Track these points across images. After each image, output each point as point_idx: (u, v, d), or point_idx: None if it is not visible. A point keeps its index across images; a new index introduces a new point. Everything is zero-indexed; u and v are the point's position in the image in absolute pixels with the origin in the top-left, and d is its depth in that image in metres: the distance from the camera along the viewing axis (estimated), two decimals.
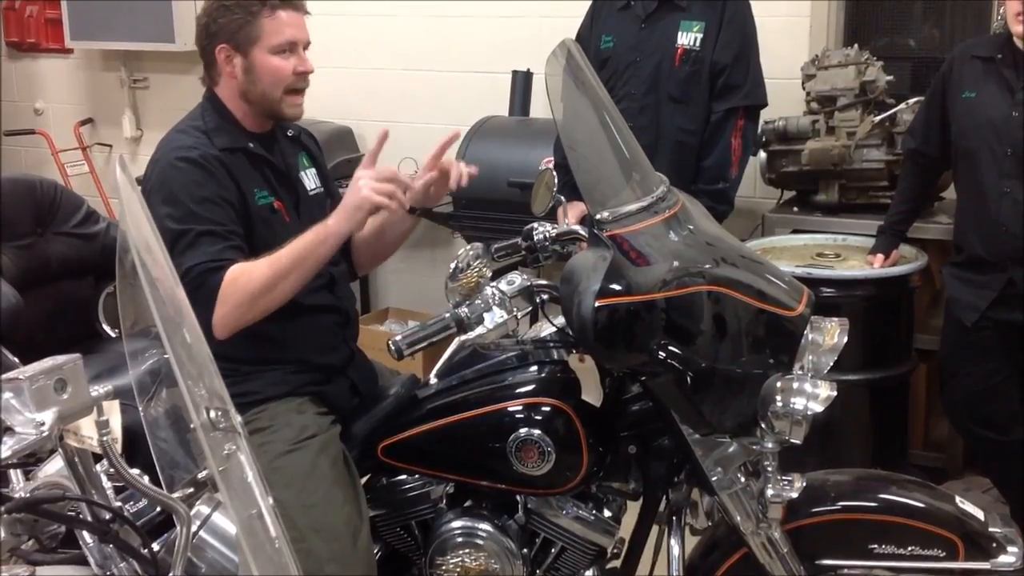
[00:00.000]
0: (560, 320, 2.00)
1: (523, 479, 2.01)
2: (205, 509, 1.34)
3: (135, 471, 1.25)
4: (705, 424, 1.84)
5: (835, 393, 1.77)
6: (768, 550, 1.94)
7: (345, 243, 2.14)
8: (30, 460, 1.28)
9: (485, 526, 2.06)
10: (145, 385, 1.30)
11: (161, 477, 1.31)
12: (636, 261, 1.80)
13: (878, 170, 3.45)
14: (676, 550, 2.00)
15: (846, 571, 2.00)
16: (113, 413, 1.22)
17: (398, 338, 1.84)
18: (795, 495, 1.84)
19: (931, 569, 1.93)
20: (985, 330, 2.91)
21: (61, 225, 2.89)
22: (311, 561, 1.93)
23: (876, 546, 1.95)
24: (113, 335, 2.85)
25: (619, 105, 2.54)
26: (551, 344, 2.03)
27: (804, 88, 3.55)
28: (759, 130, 3.38)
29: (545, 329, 2.04)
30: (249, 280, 1.98)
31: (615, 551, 2.13)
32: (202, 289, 1.95)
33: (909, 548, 1.94)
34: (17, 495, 1.25)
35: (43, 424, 1.15)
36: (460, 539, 2.07)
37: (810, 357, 1.86)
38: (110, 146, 5.44)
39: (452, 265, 1.89)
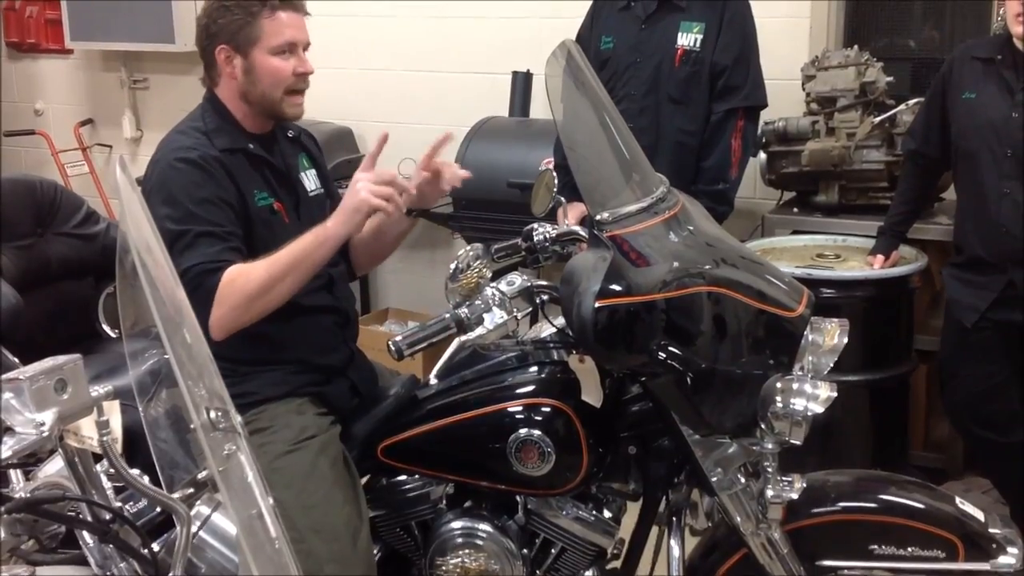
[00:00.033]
0: (560, 321, 1.99)
1: (523, 480, 2.01)
2: (205, 509, 1.34)
3: (135, 471, 1.26)
4: (705, 425, 1.84)
5: (835, 394, 1.77)
6: (768, 551, 1.94)
7: (343, 244, 2.14)
8: (30, 460, 1.28)
9: (485, 527, 2.06)
10: (145, 385, 1.30)
11: (161, 477, 1.31)
12: (636, 262, 1.80)
13: (878, 171, 3.45)
14: (676, 551, 2.00)
15: (846, 572, 2.00)
16: (113, 413, 1.22)
17: (398, 338, 1.84)
18: (795, 496, 1.84)
19: (931, 570, 1.93)
20: (985, 331, 2.91)
21: (61, 226, 2.89)
22: (311, 562, 1.93)
23: (876, 547, 1.95)
24: (113, 335, 2.84)
25: (619, 106, 2.54)
26: (551, 345, 2.03)
27: (804, 89, 3.55)
28: (759, 131, 3.38)
29: (545, 330, 2.04)
30: (246, 282, 1.98)
31: (615, 552, 2.13)
32: (199, 290, 1.95)
33: (909, 549, 1.94)
34: (17, 495, 1.26)
35: (43, 424, 1.15)
36: (460, 540, 2.07)
37: (810, 358, 1.86)
38: (110, 147, 5.44)
39: (452, 266, 1.89)
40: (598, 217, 1.83)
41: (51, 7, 5.33)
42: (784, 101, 3.53)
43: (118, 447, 1.23)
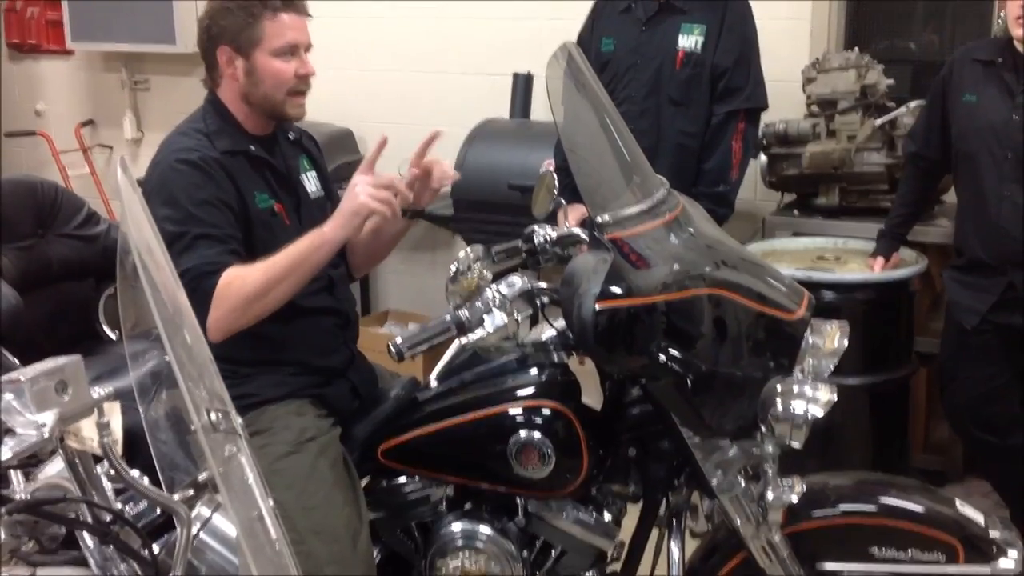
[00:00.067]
0: (560, 323, 2.00)
1: (523, 482, 2.00)
2: (205, 511, 1.34)
3: (135, 473, 1.25)
4: (705, 427, 1.84)
5: (835, 397, 1.77)
6: (768, 553, 1.93)
7: (342, 246, 2.14)
8: (31, 461, 1.28)
9: (485, 529, 2.06)
10: (146, 387, 1.30)
11: (161, 479, 1.31)
12: (636, 264, 1.80)
13: (878, 173, 3.45)
14: (676, 553, 2.00)
15: (846, 574, 2.00)
16: (114, 414, 1.22)
17: (398, 340, 1.84)
18: (795, 499, 1.84)
19: (931, 573, 1.93)
20: (985, 333, 2.91)
21: (62, 227, 2.89)
22: (311, 563, 1.93)
23: (876, 549, 1.95)
24: (114, 337, 2.85)
25: (620, 108, 2.53)
26: (551, 347, 2.03)
27: (804, 91, 3.55)
28: (759, 133, 3.38)
29: (545, 332, 2.04)
30: (244, 285, 1.98)
31: (615, 554, 2.13)
32: (197, 292, 1.95)
33: (909, 551, 1.94)
34: (17, 496, 1.25)
35: (44, 425, 1.15)
36: (460, 542, 2.07)
37: (810, 360, 1.86)
38: (111, 148, 5.45)
39: (452, 267, 1.89)
40: (599, 219, 1.83)
41: (52, 8, 5.34)
42: (785, 103, 3.53)
43: (119, 448, 1.23)
